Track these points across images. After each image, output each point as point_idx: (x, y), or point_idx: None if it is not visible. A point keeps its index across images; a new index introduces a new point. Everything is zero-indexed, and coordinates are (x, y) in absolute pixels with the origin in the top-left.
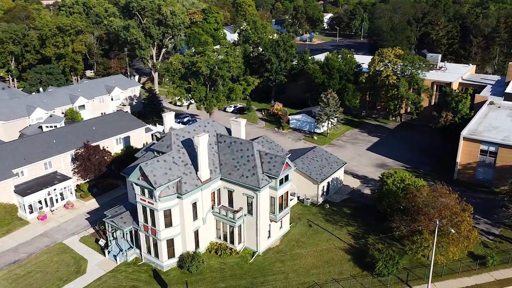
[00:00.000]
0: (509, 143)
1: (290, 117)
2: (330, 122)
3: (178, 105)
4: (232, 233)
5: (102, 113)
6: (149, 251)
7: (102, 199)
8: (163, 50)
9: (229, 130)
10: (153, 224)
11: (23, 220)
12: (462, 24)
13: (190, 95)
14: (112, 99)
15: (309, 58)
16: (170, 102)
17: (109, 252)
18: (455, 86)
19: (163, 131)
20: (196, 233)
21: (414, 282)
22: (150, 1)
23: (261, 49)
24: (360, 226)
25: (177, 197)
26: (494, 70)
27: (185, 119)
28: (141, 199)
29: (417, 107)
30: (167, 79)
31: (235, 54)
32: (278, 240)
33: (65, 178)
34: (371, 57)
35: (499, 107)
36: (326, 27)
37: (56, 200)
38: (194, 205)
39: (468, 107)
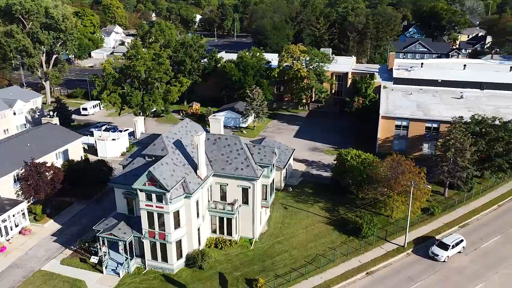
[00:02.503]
0: (417, 117)
1: (214, 115)
2: (256, 116)
3: (85, 114)
4: (229, 225)
5: (4, 130)
6: (154, 257)
7: (60, 219)
8: (54, 56)
9: (204, 129)
10: (162, 228)
11: None
12: (341, 22)
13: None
14: (14, 114)
15: (219, 57)
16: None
17: (106, 267)
18: (349, 75)
19: (134, 136)
20: (199, 231)
21: (390, 237)
22: (35, 3)
23: (171, 51)
24: (327, 201)
25: (185, 197)
26: (368, 61)
27: (103, 127)
28: (146, 205)
29: (324, 95)
30: (98, 87)
31: (166, 56)
32: (265, 225)
33: (16, 202)
34: (276, 54)
35: (392, 89)
36: (197, 28)
37: (11, 227)
38: (197, 203)
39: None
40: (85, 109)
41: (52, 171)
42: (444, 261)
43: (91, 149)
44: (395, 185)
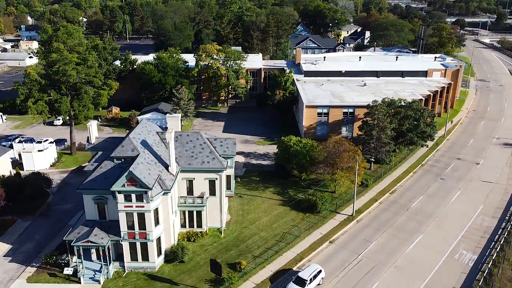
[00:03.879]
0: (335, 104)
1: (139, 117)
2: (184, 115)
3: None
4: (199, 217)
5: None
6: (134, 258)
7: (7, 238)
8: None
9: (162, 128)
10: (142, 227)
11: None
12: (237, 22)
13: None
14: None
15: (133, 59)
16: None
17: (83, 276)
18: (262, 71)
19: (89, 141)
20: (173, 226)
21: (339, 209)
22: None
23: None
24: (275, 185)
25: (164, 194)
26: (270, 57)
27: (17, 140)
28: (125, 206)
29: (242, 91)
30: (21, 95)
31: (93, 59)
32: (227, 214)
33: None
34: (183, 55)
35: (305, 82)
36: (85, 31)
37: None
38: (171, 199)
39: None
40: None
41: None
42: None
43: (13, 163)
44: (339, 163)
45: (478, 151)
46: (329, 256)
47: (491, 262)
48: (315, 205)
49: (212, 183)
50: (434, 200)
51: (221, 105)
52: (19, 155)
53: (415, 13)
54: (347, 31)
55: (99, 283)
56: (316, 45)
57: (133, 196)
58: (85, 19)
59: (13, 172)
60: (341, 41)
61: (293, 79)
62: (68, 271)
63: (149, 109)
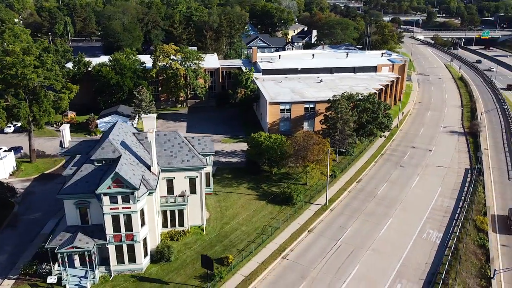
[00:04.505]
0: (297, 100)
1: (98, 121)
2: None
3: None
4: (181, 216)
5: None
6: (120, 261)
7: None
8: None
9: (137, 129)
10: (129, 229)
11: None
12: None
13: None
14: None
15: (87, 61)
16: None
17: (68, 283)
18: (220, 71)
19: (62, 146)
20: (157, 227)
21: (312, 200)
22: None
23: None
24: (248, 181)
25: (149, 193)
26: (224, 56)
27: None
28: (111, 208)
29: (202, 91)
30: None
31: (51, 62)
32: (206, 211)
33: None
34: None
35: (264, 80)
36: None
37: None
38: (155, 199)
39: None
40: None
41: None
42: None
43: None
44: (310, 155)
45: (429, 139)
46: (309, 244)
47: (455, 239)
48: (291, 198)
49: (192, 181)
50: (397, 186)
51: (180, 105)
52: None
53: (355, 12)
54: (294, 30)
55: None
56: (266, 44)
57: (119, 197)
58: (21, 21)
59: None
60: (290, 40)
61: (252, 78)
62: (51, 279)
63: (108, 112)
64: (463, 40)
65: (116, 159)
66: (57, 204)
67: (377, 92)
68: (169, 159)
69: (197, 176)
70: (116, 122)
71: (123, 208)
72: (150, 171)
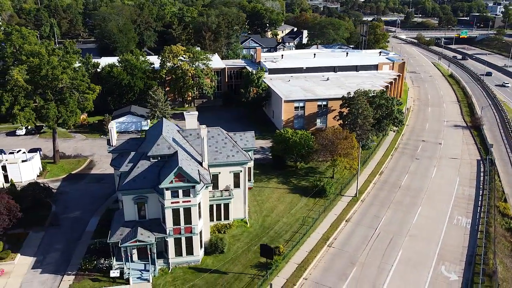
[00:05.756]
0: (310, 98)
1: (112, 121)
2: (162, 116)
3: None
4: (226, 210)
5: None
6: (178, 254)
7: (27, 251)
8: None
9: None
10: (188, 222)
11: None
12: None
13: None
14: None
15: (96, 62)
16: None
17: (131, 277)
18: (227, 70)
19: (110, 144)
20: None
21: (342, 192)
22: None
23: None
24: (276, 176)
25: (206, 187)
26: (222, 57)
27: None
28: (172, 202)
29: (211, 91)
30: (6, 102)
31: (75, 62)
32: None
33: None
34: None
35: (271, 79)
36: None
37: None
38: (207, 193)
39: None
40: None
41: (5, 201)
42: None
43: None
44: (340, 150)
45: (436, 133)
46: (350, 233)
47: (485, 223)
48: (324, 190)
49: (236, 175)
50: (417, 177)
51: (187, 105)
52: (3, 167)
53: (337, 13)
54: (282, 31)
55: (149, 281)
56: (258, 45)
57: (180, 191)
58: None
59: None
60: (280, 40)
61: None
62: (114, 273)
63: (121, 113)
64: (443, 39)
65: (171, 155)
66: (93, 203)
67: (384, 89)
68: (215, 155)
69: (241, 171)
70: (160, 120)
71: (183, 202)
72: (202, 166)
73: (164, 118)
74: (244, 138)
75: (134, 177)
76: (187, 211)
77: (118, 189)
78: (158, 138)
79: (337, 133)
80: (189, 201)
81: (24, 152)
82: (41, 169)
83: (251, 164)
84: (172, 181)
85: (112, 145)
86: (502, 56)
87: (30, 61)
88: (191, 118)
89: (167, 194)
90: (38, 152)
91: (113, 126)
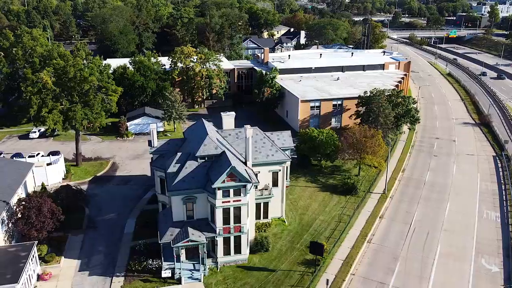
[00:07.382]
0: (326, 98)
1: (127, 123)
2: (178, 117)
3: None
4: (266, 208)
5: None
6: (227, 253)
7: (70, 254)
8: None
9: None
10: (237, 221)
11: None
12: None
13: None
14: None
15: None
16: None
17: (183, 277)
18: (236, 71)
19: (151, 145)
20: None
21: (371, 189)
22: None
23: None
24: (304, 175)
25: (255, 187)
26: (226, 57)
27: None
28: (223, 202)
29: (223, 91)
30: (35, 105)
31: (98, 63)
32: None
33: (26, 246)
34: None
35: (282, 79)
36: None
37: (31, 275)
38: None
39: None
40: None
41: (48, 204)
42: None
43: None
44: (368, 148)
45: (448, 130)
46: (386, 229)
47: None
48: (354, 188)
49: (275, 174)
50: (439, 174)
51: (197, 106)
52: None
53: (329, 13)
54: (277, 32)
55: (200, 281)
56: (256, 45)
57: (231, 191)
58: None
59: (35, 187)
60: (278, 41)
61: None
62: (166, 273)
63: (136, 114)
64: (433, 38)
65: (218, 155)
66: (125, 205)
67: (397, 89)
68: (255, 154)
69: (280, 170)
70: (199, 121)
71: (234, 201)
72: (246, 165)
73: (203, 119)
74: (282, 138)
75: (183, 178)
76: (237, 210)
77: (168, 189)
78: (204, 139)
79: (365, 131)
80: (240, 200)
81: (43, 155)
82: (65, 172)
83: (288, 163)
84: (224, 180)
85: (153, 146)
86: (491, 54)
87: (55, 63)
88: (229, 118)
89: (219, 193)
90: (61, 155)
91: (154, 127)
